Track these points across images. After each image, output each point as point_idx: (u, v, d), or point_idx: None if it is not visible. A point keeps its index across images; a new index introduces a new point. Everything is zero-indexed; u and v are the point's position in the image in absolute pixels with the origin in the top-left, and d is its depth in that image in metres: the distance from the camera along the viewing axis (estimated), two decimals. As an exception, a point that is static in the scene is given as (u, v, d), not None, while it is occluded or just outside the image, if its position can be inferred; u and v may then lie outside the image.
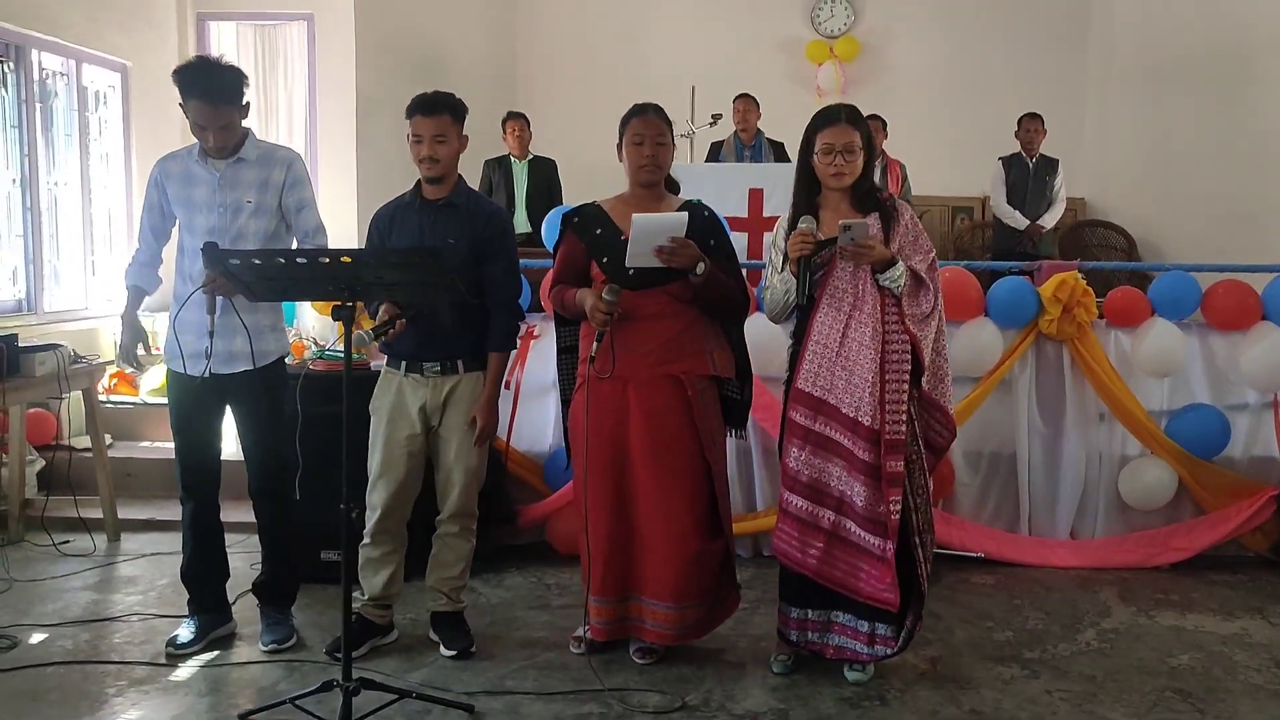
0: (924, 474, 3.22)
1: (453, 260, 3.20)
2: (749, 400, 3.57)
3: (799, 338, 3.27)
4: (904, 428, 3.13)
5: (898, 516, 3.10)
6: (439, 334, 3.40)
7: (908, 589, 3.17)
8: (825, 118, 3.22)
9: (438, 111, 3.35)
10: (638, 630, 3.43)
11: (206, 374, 3.37)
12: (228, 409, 3.54)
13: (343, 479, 2.97)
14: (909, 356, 3.14)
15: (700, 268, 3.22)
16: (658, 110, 3.43)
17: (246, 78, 3.38)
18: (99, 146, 6.45)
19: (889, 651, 3.23)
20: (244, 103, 3.37)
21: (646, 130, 3.37)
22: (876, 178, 3.71)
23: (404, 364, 3.46)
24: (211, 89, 3.27)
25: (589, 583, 3.42)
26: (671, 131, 3.45)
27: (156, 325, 6.63)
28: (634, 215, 3.17)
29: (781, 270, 3.28)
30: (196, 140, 3.38)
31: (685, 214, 3.23)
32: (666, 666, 3.39)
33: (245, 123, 3.42)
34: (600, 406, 3.35)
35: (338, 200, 7.39)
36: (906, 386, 3.14)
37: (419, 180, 3.46)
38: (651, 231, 3.14)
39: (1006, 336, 4.64)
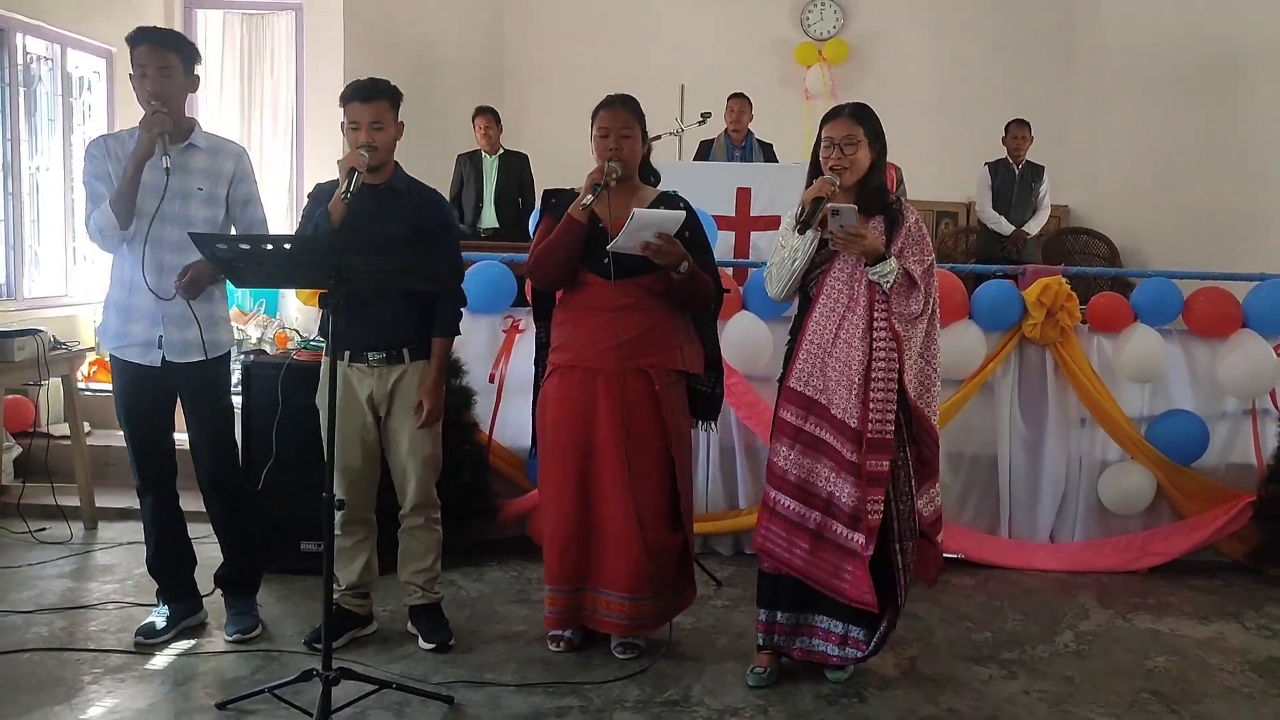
0: (910, 480, 3.19)
1: (401, 245, 3.18)
2: (720, 394, 3.58)
3: (795, 336, 3.26)
4: (889, 429, 3.10)
5: (877, 517, 3.08)
6: (382, 323, 3.36)
7: (885, 593, 3.15)
8: (830, 113, 3.24)
9: (375, 98, 3.34)
10: (592, 620, 3.43)
11: (159, 362, 3.32)
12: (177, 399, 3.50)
13: (325, 468, 2.97)
14: (896, 356, 3.13)
15: (684, 266, 3.24)
16: (625, 102, 3.39)
17: (199, 53, 3.40)
18: (82, 132, 6.39)
19: (859, 655, 3.21)
20: (193, 70, 3.35)
21: (611, 123, 3.34)
22: None
23: (348, 354, 3.38)
24: (154, 32, 3.33)
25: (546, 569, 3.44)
26: (642, 124, 3.40)
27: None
28: (634, 209, 3.16)
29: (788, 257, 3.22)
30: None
31: (682, 213, 3.23)
32: (647, 661, 3.39)
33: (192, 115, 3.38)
34: (569, 396, 3.36)
35: (322, 192, 7.35)
36: (895, 387, 3.11)
37: None
38: (646, 225, 3.15)
39: (990, 340, 4.66)
